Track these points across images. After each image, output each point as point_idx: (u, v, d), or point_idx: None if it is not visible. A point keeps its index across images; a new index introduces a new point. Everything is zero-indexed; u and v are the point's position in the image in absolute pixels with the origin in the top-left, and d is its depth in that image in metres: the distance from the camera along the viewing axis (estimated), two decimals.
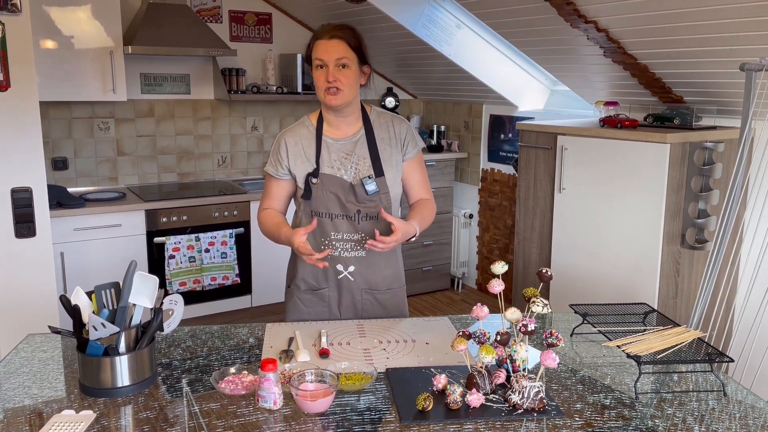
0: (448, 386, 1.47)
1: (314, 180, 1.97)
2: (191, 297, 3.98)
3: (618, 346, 1.67)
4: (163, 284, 3.81)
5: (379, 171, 1.99)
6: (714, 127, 3.01)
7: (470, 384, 1.50)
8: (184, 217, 3.96)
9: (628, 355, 1.61)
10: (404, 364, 1.71)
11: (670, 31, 2.71)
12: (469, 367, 1.54)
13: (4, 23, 2.77)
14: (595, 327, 1.83)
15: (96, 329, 1.49)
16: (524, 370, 1.54)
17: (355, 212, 1.98)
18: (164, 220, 3.90)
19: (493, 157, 4.67)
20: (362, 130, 2.02)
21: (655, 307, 2.36)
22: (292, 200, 2.11)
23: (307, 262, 1.88)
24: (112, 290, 1.58)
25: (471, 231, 4.97)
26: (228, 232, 4.07)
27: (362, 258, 2.03)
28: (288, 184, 2.05)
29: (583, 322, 1.91)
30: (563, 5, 2.84)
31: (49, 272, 3.07)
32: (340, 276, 2.04)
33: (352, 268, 2.03)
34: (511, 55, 4.25)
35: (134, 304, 1.56)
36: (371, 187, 1.96)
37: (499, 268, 1.64)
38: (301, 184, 2.01)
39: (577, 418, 1.43)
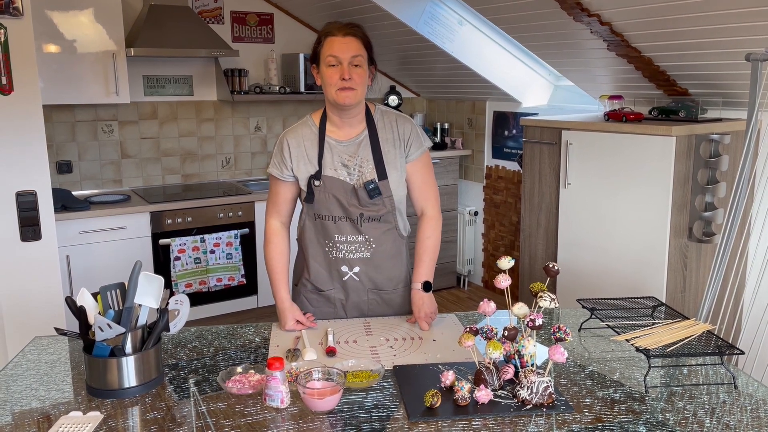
0: (456, 382, 1.46)
1: (316, 182, 1.96)
2: (197, 298, 3.98)
3: (627, 340, 1.65)
4: (168, 286, 3.81)
5: (382, 174, 1.96)
6: (720, 119, 2.99)
7: (478, 380, 1.49)
8: (189, 219, 3.96)
9: (637, 349, 1.59)
10: (411, 361, 1.70)
11: (674, 22, 2.69)
12: (476, 363, 1.53)
13: (6, 27, 2.77)
14: (603, 321, 1.82)
15: (102, 330, 1.48)
16: (532, 365, 1.53)
17: (357, 215, 1.97)
18: (169, 221, 3.90)
19: (497, 153, 4.65)
20: (366, 131, 1.99)
21: (663, 301, 2.34)
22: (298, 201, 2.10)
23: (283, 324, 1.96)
24: (118, 291, 1.58)
25: (476, 228, 4.95)
26: (233, 232, 4.07)
27: (367, 259, 2.01)
28: (294, 186, 2.03)
29: (591, 317, 1.89)
30: None
31: (55, 275, 3.08)
32: (345, 277, 2.03)
33: (357, 269, 2.02)
34: (513, 51, 4.23)
35: (140, 305, 1.56)
36: (374, 191, 1.94)
37: (506, 263, 1.64)
38: (303, 186, 1.99)
39: (586, 413, 1.42)
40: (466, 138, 4.93)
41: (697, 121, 2.91)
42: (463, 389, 1.44)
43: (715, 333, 1.72)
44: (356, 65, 1.88)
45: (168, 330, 1.60)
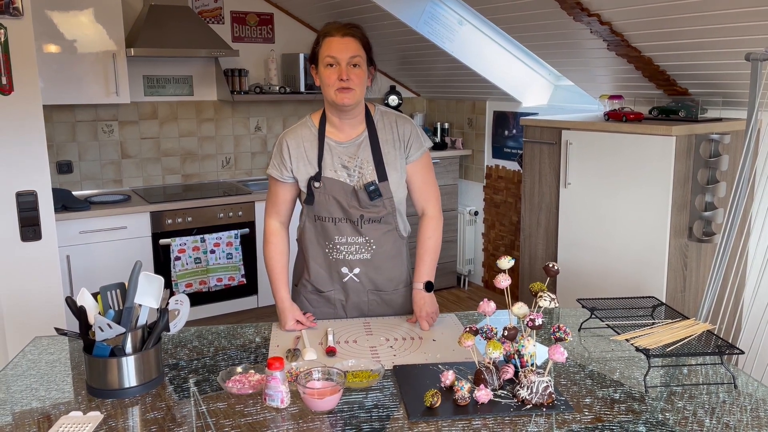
0: (456, 382, 1.46)
1: (317, 184, 1.95)
2: (197, 298, 3.98)
3: (627, 340, 1.66)
4: (169, 286, 3.81)
5: (382, 175, 1.96)
6: (720, 119, 2.99)
7: (478, 380, 1.49)
8: (189, 219, 3.96)
9: (637, 349, 1.59)
10: (411, 361, 1.70)
11: (674, 22, 2.69)
12: (476, 363, 1.53)
13: (6, 27, 2.77)
14: (603, 321, 1.82)
15: (102, 330, 1.48)
16: (532, 365, 1.53)
17: (358, 217, 1.96)
18: (169, 221, 3.90)
19: (497, 153, 4.66)
20: (365, 132, 1.99)
21: (663, 301, 2.34)
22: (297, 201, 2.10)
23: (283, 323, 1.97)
24: (118, 291, 1.58)
25: (476, 228, 4.95)
26: (233, 232, 4.07)
27: (367, 260, 2.01)
28: (293, 187, 2.02)
29: (590, 317, 1.89)
30: None
31: (55, 275, 3.08)
32: (346, 278, 2.03)
33: (357, 270, 2.02)
34: (514, 51, 4.23)
35: (140, 305, 1.56)
36: (374, 193, 1.94)
37: (506, 263, 1.64)
38: (303, 187, 1.98)
39: (586, 413, 1.42)
40: (466, 138, 4.93)
41: (697, 121, 2.91)
42: (463, 389, 1.44)
43: (715, 333, 1.72)
44: (355, 65, 1.88)
45: (168, 330, 1.60)
